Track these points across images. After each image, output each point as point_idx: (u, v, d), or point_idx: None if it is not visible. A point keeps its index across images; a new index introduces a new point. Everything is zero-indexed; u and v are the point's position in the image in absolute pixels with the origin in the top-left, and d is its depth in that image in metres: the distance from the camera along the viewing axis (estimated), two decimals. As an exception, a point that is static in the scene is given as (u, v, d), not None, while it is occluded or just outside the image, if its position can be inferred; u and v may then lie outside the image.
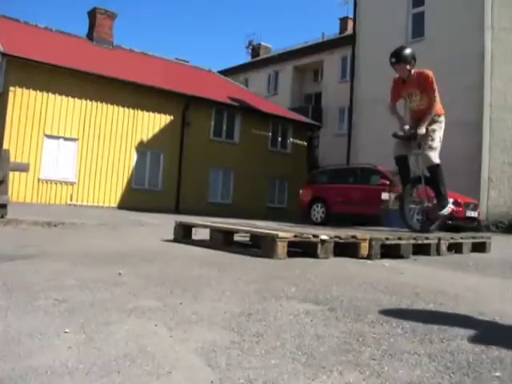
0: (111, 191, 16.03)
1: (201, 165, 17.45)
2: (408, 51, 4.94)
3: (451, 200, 5.13)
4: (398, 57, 4.87)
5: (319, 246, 3.65)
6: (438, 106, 5.04)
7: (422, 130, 4.88)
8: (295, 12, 78.38)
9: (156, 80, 16.81)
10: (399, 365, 1.40)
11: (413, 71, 4.95)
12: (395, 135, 5.11)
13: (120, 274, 2.52)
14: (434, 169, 4.97)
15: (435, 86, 4.90)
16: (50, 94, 14.72)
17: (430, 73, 4.95)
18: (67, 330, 1.52)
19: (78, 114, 15.29)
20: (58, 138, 15.01)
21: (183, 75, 19.58)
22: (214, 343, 1.49)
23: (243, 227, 4.15)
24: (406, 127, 5.03)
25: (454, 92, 12.78)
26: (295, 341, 1.56)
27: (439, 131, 5.04)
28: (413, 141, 5.02)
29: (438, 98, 4.95)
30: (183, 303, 1.96)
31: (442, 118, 5.12)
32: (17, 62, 13.91)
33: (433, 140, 4.92)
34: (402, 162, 5.23)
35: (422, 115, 4.98)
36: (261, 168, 18.74)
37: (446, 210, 5.06)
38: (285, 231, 3.71)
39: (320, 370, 1.32)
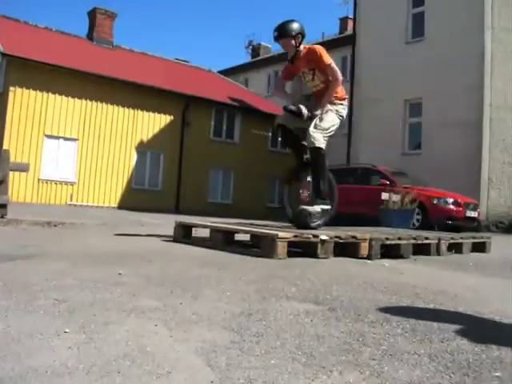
0: (111, 191, 16.04)
1: (201, 165, 17.45)
2: (294, 25, 4.29)
3: (327, 207, 4.26)
4: (280, 31, 4.27)
5: (319, 245, 3.64)
6: (339, 90, 4.35)
7: (319, 113, 4.23)
8: (295, 12, 78.45)
9: (156, 80, 16.81)
10: (399, 365, 1.40)
11: (302, 47, 4.34)
12: (286, 108, 4.36)
13: (120, 274, 2.52)
14: (315, 154, 4.17)
15: (329, 60, 4.19)
16: (50, 93, 14.73)
17: (317, 46, 4.35)
18: (67, 330, 1.52)
19: (78, 114, 15.30)
20: (57, 138, 15.01)
21: (183, 75, 19.58)
22: (214, 343, 1.49)
23: (243, 227, 4.15)
24: (301, 107, 4.27)
25: (453, 92, 12.81)
26: (295, 341, 1.56)
27: (333, 115, 4.27)
28: (308, 122, 4.25)
29: (339, 73, 4.25)
30: (183, 303, 1.96)
31: (344, 102, 4.40)
32: (17, 62, 13.91)
33: (322, 120, 4.18)
34: (284, 132, 4.47)
35: (320, 95, 4.33)
36: (261, 168, 18.74)
37: (314, 209, 4.17)
38: (285, 231, 3.71)
39: (320, 370, 1.32)
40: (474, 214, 10.68)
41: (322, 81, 4.30)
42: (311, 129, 4.13)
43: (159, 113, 17.00)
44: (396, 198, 8.65)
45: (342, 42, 23.73)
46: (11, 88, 14.07)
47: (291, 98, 4.55)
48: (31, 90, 14.39)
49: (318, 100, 4.34)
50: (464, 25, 12.84)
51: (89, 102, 15.50)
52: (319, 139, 4.12)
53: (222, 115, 18.54)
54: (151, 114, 16.85)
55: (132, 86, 15.94)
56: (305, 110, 4.23)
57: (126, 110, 16.31)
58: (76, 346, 1.39)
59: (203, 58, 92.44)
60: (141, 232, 5.24)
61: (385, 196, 8.83)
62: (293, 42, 4.28)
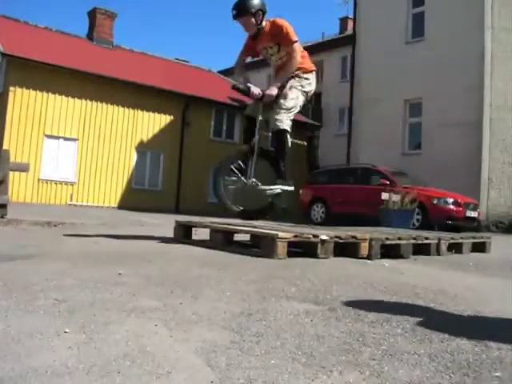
0: (111, 191, 16.04)
1: (201, 165, 17.44)
2: (253, 1, 3.93)
3: (289, 188, 4.09)
4: (238, 8, 3.94)
5: (319, 246, 3.64)
6: (306, 61, 4.11)
7: (272, 91, 3.92)
8: (295, 12, 78.47)
9: (156, 80, 16.81)
10: (399, 365, 1.40)
11: (264, 23, 4.03)
12: (234, 86, 4.11)
13: (120, 274, 2.52)
14: (280, 136, 3.97)
15: (294, 36, 3.94)
16: (49, 93, 14.74)
17: (282, 20, 4.00)
18: (67, 330, 1.52)
19: (78, 114, 15.31)
20: (57, 138, 15.03)
21: (183, 75, 19.59)
22: (214, 343, 1.49)
23: (243, 227, 4.14)
24: (250, 85, 4.01)
25: (454, 92, 12.82)
26: (295, 341, 1.56)
27: (297, 92, 4.03)
28: (260, 102, 4.03)
29: (300, 50, 4.02)
30: (183, 303, 1.96)
31: (310, 76, 4.14)
32: (17, 62, 13.92)
33: (286, 98, 3.95)
34: (249, 123, 4.24)
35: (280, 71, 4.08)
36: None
37: (274, 190, 4.03)
38: (285, 231, 3.71)
39: (320, 370, 1.32)
40: (474, 214, 10.68)
41: (285, 55, 4.04)
42: (276, 110, 3.92)
43: (159, 113, 17.00)
44: (396, 198, 8.66)
45: (342, 42, 23.80)
46: (11, 88, 14.08)
47: (244, 77, 4.22)
48: (31, 90, 14.40)
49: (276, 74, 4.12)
50: (464, 25, 12.84)
51: (89, 102, 15.51)
52: (284, 121, 3.92)
53: (221, 115, 18.55)
54: (151, 113, 16.85)
55: (132, 86, 15.94)
56: (255, 90, 3.95)
57: (126, 109, 16.32)
58: (76, 346, 1.39)
59: (203, 58, 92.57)
60: (141, 232, 5.24)
61: (385, 196, 8.84)
62: (253, 20, 3.96)
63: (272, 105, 3.98)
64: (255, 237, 4.13)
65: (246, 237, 4.41)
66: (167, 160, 17.15)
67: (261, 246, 3.66)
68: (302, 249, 3.82)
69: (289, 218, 13.37)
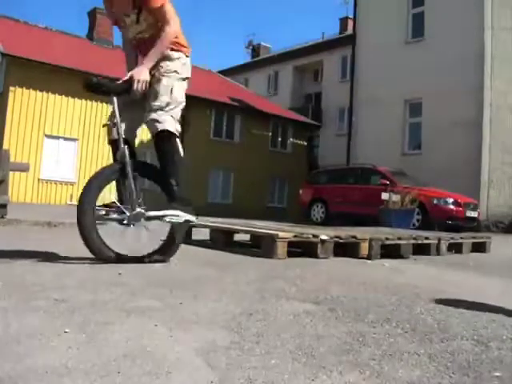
0: (111, 191, 16.03)
1: (201, 165, 17.46)
2: None
3: (192, 217, 3.15)
4: None
5: (319, 246, 3.65)
6: (176, 37, 2.94)
7: (142, 73, 2.80)
8: (295, 12, 78.48)
9: (156, 80, 16.84)
10: (399, 365, 1.40)
11: None
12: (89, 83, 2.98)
13: (120, 274, 2.52)
14: (164, 139, 2.88)
15: (160, 1, 2.79)
16: (49, 94, 14.75)
17: None
18: (67, 330, 1.52)
19: (77, 114, 15.31)
20: (58, 138, 15.03)
21: (183, 75, 19.59)
22: (213, 343, 1.49)
23: (243, 227, 4.15)
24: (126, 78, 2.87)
25: (453, 92, 12.80)
26: (295, 341, 1.56)
27: (174, 79, 2.92)
28: (134, 97, 2.90)
29: (174, 22, 2.85)
30: (183, 303, 1.96)
31: (183, 58, 3.01)
32: (17, 62, 13.93)
33: (157, 95, 2.86)
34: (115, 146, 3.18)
35: (148, 49, 2.88)
36: (261, 168, 18.73)
37: (171, 219, 3.01)
38: (285, 231, 3.71)
39: (320, 370, 1.32)
40: (474, 214, 10.68)
41: (151, 24, 2.89)
42: (153, 112, 2.85)
43: (159, 113, 17.00)
44: (396, 198, 8.66)
45: (342, 42, 23.80)
46: (11, 88, 14.09)
47: (129, 64, 3.12)
48: (31, 90, 14.40)
49: (142, 54, 2.99)
50: (464, 25, 12.83)
51: (89, 102, 15.51)
52: (166, 120, 2.86)
53: (222, 115, 18.55)
54: (151, 113, 16.85)
55: (132, 86, 15.94)
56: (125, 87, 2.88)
57: (126, 109, 16.32)
58: (76, 346, 1.39)
59: (203, 58, 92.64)
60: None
61: (385, 196, 8.83)
62: None
63: (144, 103, 2.92)
64: (255, 237, 4.14)
65: (246, 237, 4.41)
66: (167, 160, 17.17)
67: (261, 246, 3.67)
68: (302, 249, 3.82)
69: (289, 217, 13.37)
